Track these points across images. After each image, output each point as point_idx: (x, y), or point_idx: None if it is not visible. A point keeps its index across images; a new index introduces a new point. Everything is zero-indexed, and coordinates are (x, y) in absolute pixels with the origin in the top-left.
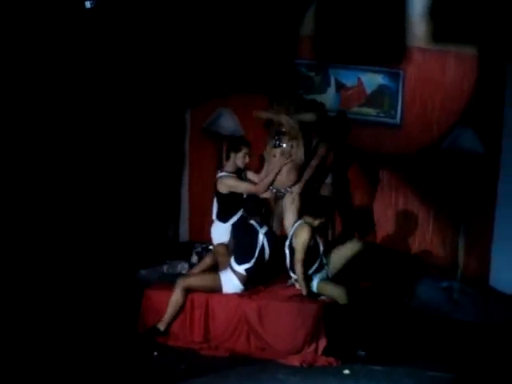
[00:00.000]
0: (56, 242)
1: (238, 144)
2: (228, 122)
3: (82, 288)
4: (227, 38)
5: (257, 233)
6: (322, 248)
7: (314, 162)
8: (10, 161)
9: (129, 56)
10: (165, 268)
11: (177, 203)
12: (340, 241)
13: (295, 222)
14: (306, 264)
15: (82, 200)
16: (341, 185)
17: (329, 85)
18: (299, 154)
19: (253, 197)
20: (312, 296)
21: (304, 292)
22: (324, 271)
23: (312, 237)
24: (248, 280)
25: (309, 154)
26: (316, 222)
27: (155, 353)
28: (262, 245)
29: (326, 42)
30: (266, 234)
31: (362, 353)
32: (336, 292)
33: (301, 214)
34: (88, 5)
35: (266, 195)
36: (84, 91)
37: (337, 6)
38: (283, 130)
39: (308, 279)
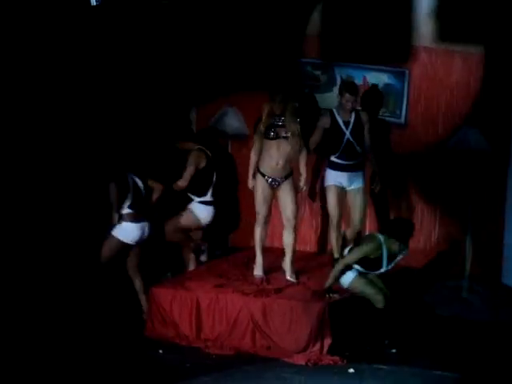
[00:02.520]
0: (62, 241)
1: None
2: (233, 121)
3: (86, 286)
4: (233, 36)
5: None
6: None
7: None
8: (12, 160)
9: (134, 54)
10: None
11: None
12: None
13: (375, 235)
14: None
15: (86, 199)
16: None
17: (334, 84)
18: (296, 144)
19: None
20: (328, 291)
21: (326, 284)
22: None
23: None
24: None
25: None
26: (395, 247)
27: (160, 351)
28: None
29: (331, 41)
30: None
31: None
32: (374, 296)
33: (387, 232)
34: (93, 2)
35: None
36: (89, 89)
37: (343, 6)
38: (280, 123)
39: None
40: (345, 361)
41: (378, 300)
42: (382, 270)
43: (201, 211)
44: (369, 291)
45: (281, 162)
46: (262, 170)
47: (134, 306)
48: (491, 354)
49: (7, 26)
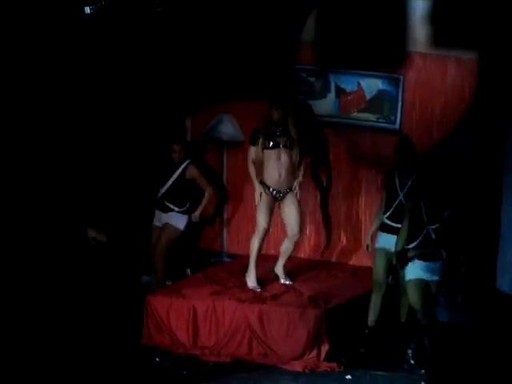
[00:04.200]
0: (57, 247)
1: None
2: (228, 128)
3: (83, 293)
4: (227, 43)
5: None
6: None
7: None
8: (10, 161)
9: (128, 62)
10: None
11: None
12: None
13: None
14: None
15: (82, 205)
16: None
17: (329, 90)
18: (297, 154)
19: None
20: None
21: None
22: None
23: None
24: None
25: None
26: None
27: (157, 359)
28: None
29: (326, 48)
30: None
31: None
32: (420, 310)
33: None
34: (88, 10)
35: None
36: (83, 97)
37: (337, 12)
38: (278, 132)
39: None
40: (342, 367)
41: (421, 314)
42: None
43: (181, 221)
44: (415, 301)
45: (283, 173)
46: (265, 181)
47: (130, 313)
48: (488, 359)
49: (4, 33)
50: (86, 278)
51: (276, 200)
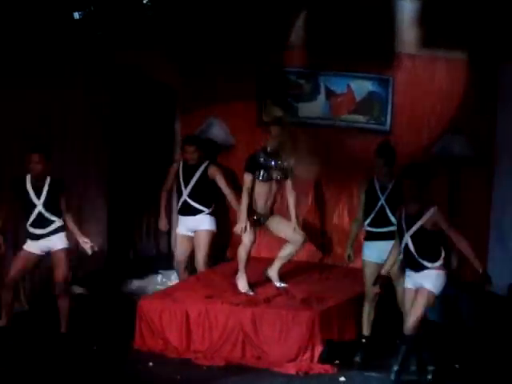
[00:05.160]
0: None
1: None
2: (218, 132)
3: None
4: (217, 46)
5: None
6: None
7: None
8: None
9: (117, 66)
10: (158, 278)
11: (168, 213)
12: None
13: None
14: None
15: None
16: None
17: (319, 92)
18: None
19: None
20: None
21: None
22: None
23: None
24: None
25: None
26: None
27: (150, 363)
28: None
29: (315, 50)
30: None
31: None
32: (414, 318)
33: None
34: (77, 15)
35: None
36: (71, 101)
37: (326, 14)
38: (272, 163)
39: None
40: (335, 369)
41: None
42: None
43: (212, 222)
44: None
45: (269, 202)
46: (252, 206)
47: (122, 318)
48: (480, 358)
49: None
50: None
51: (259, 224)
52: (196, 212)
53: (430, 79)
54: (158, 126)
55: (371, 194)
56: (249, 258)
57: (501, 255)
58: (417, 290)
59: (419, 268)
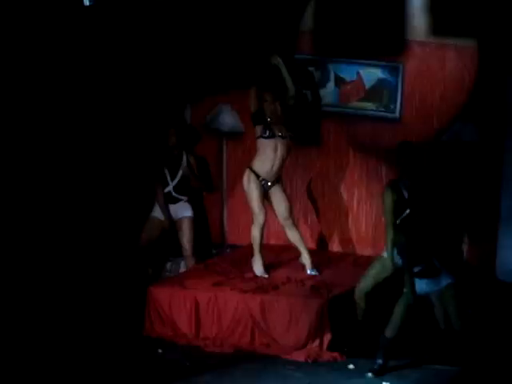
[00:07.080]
0: (58, 242)
1: None
2: (228, 119)
3: (85, 285)
4: (226, 33)
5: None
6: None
7: None
8: (8, 160)
9: (128, 53)
10: (168, 265)
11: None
12: None
13: None
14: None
15: (84, 199)
16: None
17: (328, 80)
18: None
19: None
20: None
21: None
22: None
23: None
24: None
25: None
26: None
27: (160, 350)
28: None
29: (325, 37)
30: None
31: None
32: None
33: None
34: (87, 2)
35: None
36: (82, 89)
37: (336, 1)
38: (269, 119)
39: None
40: (344, 357)
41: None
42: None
43: (191, 210)
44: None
45: (276, 165)
46: (256, 170)
47: (132, 305)
48: (489, 346)
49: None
50: (88, 271)
51: (263, 189)
52: (176, 200)
53: (440, 66)
54: (168, 115)
55: (400, 201)
56: (263, 237)
57: (511, 243)
58: None
59: None
